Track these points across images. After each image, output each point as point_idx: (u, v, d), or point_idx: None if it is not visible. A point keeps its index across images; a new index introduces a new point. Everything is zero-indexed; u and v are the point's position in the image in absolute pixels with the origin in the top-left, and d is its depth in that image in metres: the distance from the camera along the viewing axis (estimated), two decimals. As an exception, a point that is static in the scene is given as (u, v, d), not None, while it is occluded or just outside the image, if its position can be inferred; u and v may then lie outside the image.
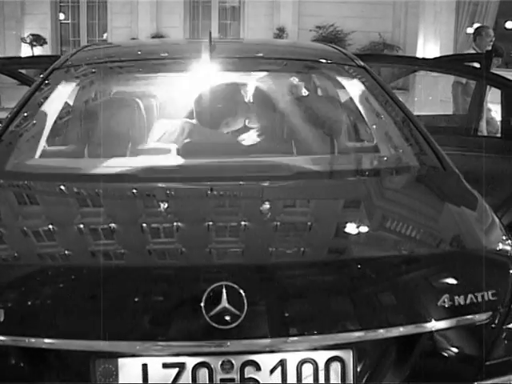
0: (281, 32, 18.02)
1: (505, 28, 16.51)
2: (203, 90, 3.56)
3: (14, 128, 2.87)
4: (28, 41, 18.31)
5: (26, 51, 18.16)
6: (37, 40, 18.37)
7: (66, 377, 1.87)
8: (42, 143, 2.98)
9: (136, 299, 1.89)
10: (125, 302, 1.88)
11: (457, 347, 1.96)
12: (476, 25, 16.71)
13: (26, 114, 2.96)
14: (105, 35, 18.99)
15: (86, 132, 3.17)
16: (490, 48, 8.61)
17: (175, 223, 2.27)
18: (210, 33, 3.41)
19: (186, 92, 3.70)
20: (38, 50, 18.21)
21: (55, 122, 3.14)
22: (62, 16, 19.07)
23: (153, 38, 17.42)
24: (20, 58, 10.76)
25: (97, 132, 3.12)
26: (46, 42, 18.36)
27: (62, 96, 3.24)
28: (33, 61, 6.28)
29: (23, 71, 5.86)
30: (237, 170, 2.72)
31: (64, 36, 19.32)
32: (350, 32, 17.66)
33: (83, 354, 1.86)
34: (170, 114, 3.64)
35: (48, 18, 18.77)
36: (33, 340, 1.84)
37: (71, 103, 3.40)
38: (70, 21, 19.14)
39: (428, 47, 16.69)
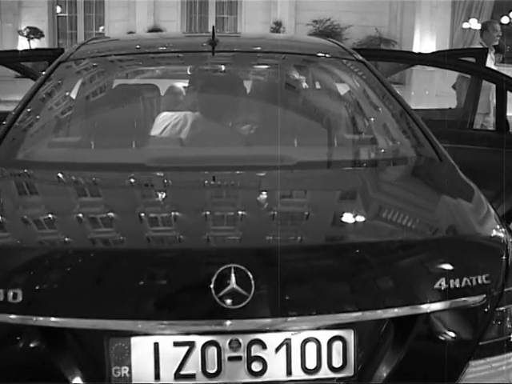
0: (278, 26, 18.08)
1: (500, 23, 16.58)
2: (206, 82, 3.65)
3: (22, 120, 2.95)
4: (25, 34, 18.33)
5: (23, 44, 18.18)
6: (34, 33, 18.38)
7: (82, 355, 1.96)
8: (52, 134, 3.08)
9: (149, 281, 1.99)
10: (138, 283, 1.97)
11: (452, 328, 2.05)
12: (472, 20, 16.82)
13: (33, 107, 3.05)
14: (101, 28, 19.01)
15: (95, 123, 3.27)
16: (496, 43, 8.66)
17: (187, 209, 2.38)
18: (214, 27, 3.50)
19: (190, 85, 3.79)
20: (35, 43, 18.23)
21: (63, 113, 3.23)
22: (58, 9, 19.09)
23: (150, 31, 17.45)
24: (26, 50, 10.81)
25: (106, 123, 3.22)
26: (43, 35, 18.38)
27: (68, 88, 3.33)
28: (37, 53, 6.33)
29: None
30: (240, 159, 2.83)
31: (61, 29, 19.33)
32: (347, 26, 17.74)
33: (98, 332, 1.96)
34: (175, 106, 3.73)
35: (45, 11, 18.78)
36: (50, 319, 1.93)
37: (78, 96, 3.49)
38: (66, 14, 19.16)
39: (424, 42, 16.78)
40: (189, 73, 3.81)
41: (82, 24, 19.06)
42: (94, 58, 3.44)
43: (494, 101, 6.79)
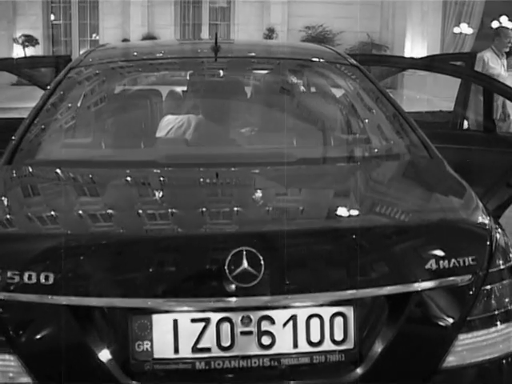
0: (270, 32, 18.28)
1: (490, 28, 16.81)
2: (209, 87, 3.87)
3: (38, 124, 3.16)
4: (20, 41, 18.48)
5: (17, 52, 18.33)
6: (29, 40, 18.53)
7: (108, 331, 2.17)
8: (67, 136, 3.30)
9: (169, 263, 2.21)
10: (159, 266, 2.19)
11: (442, 305, 2.26)
12: (463, 24, 17.07)
13: (48, 111, 3.25)
14: (93, 35, 19.18)
15: (106, 126, 3.49)
16: (507, 49, 8.88)
17: (202, 199, 2.61)
18: (216, 34, 3.72)
19: (193, 89, 4.01)
20: (30, 51, 18.38)
21: (75, 117, 3.44)
22: (52, 17, 19.24)
23: (144, 39, 17.62)
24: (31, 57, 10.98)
25: (116, 126, 3.45)
26: (38, 43, 18.53)
27: (80, 93, 3.53)
28: (44, 60, 6.54)
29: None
30: (246, 156, 3.06)
31: (56, 36, 19.48)
32: (339, 32, 17.95)
33: (122, 310, 2.16)
34: (179, 109, 3.94)
35: (39, 19, 18.91)
36: (79, 299, 2.14)
37: (88, 100, 3.69)
38: (61, 21, 19.31)
39: (415, 47, 17.00)
40: (188, 78, 4.02)
41: (76, 31, 19.22)
42: (104, 64, 3.66)
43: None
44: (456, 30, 17.38)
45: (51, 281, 2.13)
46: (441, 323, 2.25)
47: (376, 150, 3.26)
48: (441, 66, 5.30)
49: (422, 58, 6.75)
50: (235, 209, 2.53)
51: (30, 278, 2.12)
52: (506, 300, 2.33)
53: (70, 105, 3.42)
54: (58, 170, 2.88)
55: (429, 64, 5.70)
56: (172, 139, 3.46)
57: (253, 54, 3.95)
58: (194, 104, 3.87)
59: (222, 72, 3.74)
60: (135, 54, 3.95)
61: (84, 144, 3.28)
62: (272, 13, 18.36)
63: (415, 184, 2.92)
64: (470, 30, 17.23)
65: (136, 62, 3.76)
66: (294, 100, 3.92)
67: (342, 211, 2.59)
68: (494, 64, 8.65)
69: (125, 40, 17.56)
